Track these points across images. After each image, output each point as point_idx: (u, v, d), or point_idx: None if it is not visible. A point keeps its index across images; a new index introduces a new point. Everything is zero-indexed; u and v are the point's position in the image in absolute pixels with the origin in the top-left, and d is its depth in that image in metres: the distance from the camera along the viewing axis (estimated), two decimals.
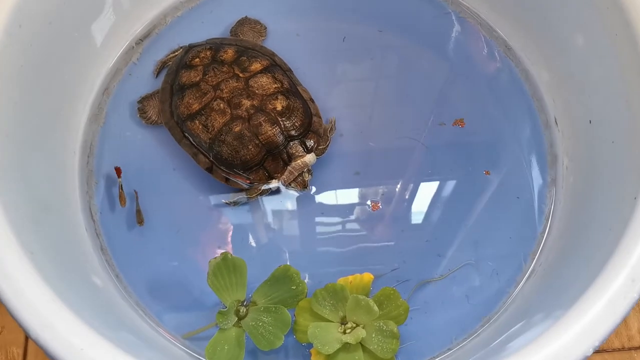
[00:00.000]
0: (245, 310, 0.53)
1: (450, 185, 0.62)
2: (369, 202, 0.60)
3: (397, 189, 0.61)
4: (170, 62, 0.65)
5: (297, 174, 0.59)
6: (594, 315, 0.41)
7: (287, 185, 0.59)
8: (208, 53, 0.62)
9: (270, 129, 0.57)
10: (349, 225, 0.60)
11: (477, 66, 0.66)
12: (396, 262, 0.58)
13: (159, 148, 0.63)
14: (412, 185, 0.61)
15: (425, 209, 0.61)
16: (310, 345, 0.52)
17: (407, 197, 0.61)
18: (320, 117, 0.62)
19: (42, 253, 0.46)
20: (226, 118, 0.58)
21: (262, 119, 0.57)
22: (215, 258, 0.52)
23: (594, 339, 0.40)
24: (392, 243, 0.59)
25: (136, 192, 0.60)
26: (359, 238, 0.59)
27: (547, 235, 0.59)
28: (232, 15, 0.68)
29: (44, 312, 0.41)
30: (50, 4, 0.54)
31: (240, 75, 0.60)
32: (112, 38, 0.65)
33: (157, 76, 0.66)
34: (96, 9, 0.61)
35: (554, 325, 0.41)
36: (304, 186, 0.59)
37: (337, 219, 0.60)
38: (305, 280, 0.56)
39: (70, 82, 0.60)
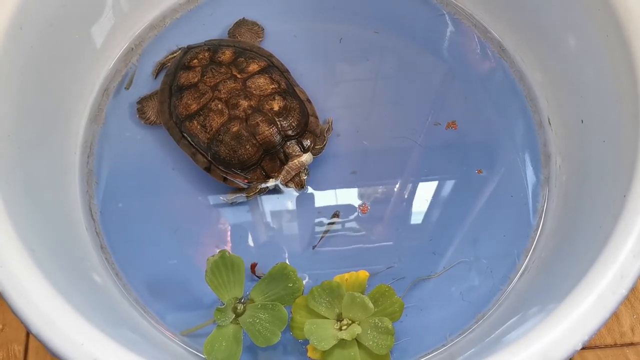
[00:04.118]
0: (242, 307, 0.53)
1: (446, 184, 0.62)
2: (357, 205, 0.61)
3: (393, 189, 0.62)
4: (169, 64, 0.65)
5: (294, 173, 0.59)
6: (584, 311, 0.41)
7: (285, 184, 0.60)
8: (206, 54, 0.63)
9: (268, 129, 0.58)
10: (345, 224, 0.61)
11: (472, 67, 0.67)
12: (392, 261, 0.58)
13: (158, 148, 0.63)
14: (408, 184, 0.62)
15: (421, 208, 0.61)
16: (306, 342, 0.53)
17: (403, 196, 0.61)
18: (317, 117, 0.62)
19: (43, 251, 0.46)
20: (224, 118, 0.58)
21: (260, 119, 0.58)
22: (213, 256, 0.52)
23: (584, 334, 0.41)
24: (389, 242, 0.60)
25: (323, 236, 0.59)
26: (356, 237, 0.60)
27: (540, 232, 0.59)
28: (230, 17, 0.69)
29: (45, 309, 0.42)
30: (50, 7, 0.55)
31: (238, 76, 0.61)
32: (112, 40, 0.65)
33: (156, 77, 0.66)
34: (96, 12, 0.62)
35: (545, 320, 0.42)
36: (301, 185, 0.60)
37: (333, 218, 0.61)
38: (305, 280, 0.57)
39: (71, 83, 0.61)
